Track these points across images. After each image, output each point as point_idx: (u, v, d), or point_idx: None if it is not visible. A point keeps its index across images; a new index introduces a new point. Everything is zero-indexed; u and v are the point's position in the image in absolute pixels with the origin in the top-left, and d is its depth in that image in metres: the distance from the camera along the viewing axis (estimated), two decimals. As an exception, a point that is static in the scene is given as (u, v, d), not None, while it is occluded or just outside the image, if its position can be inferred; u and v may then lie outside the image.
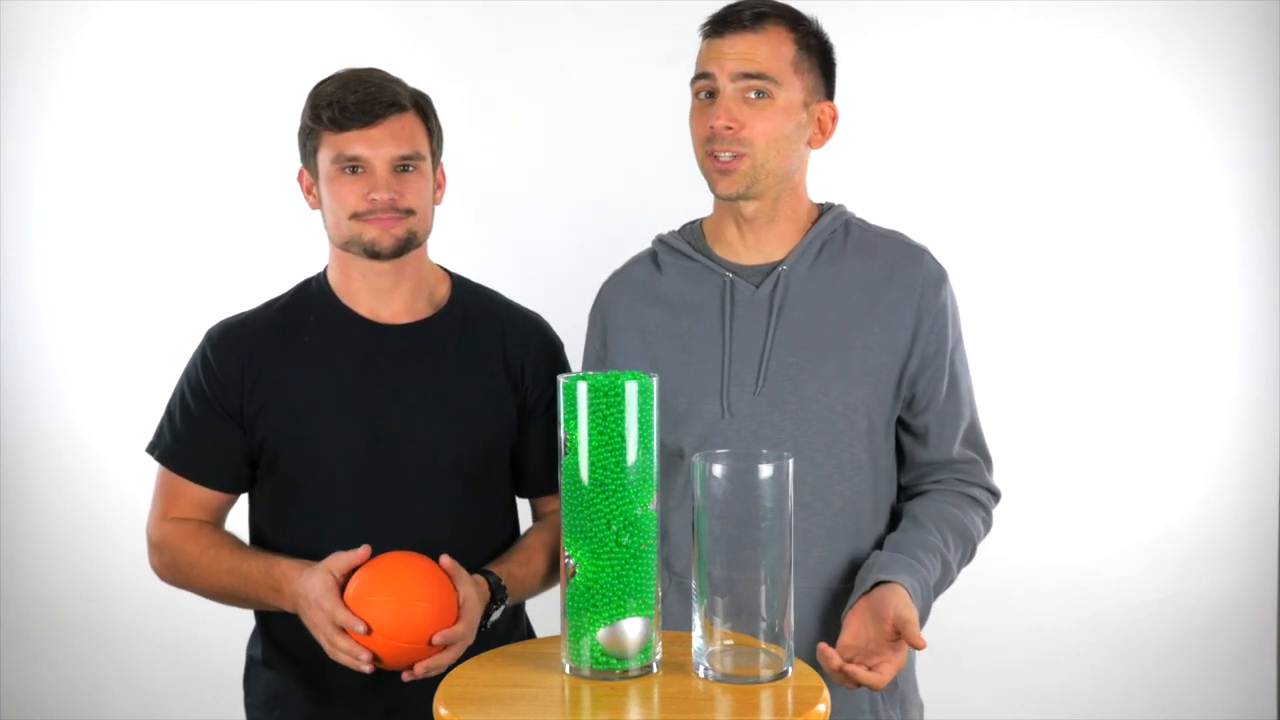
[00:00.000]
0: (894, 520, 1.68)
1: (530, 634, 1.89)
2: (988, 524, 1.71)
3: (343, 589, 1.55)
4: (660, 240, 1.75)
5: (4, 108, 2.86)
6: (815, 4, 1.69)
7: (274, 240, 2.75)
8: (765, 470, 1.20)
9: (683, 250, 1.70)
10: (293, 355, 1.73)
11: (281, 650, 1.76)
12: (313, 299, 1.78)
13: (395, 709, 1.69)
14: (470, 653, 1.54)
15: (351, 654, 1.51)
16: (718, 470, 1.20)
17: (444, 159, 1.79)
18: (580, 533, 1.21)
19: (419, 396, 1.72)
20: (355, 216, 1.67)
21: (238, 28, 2.79)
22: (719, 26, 1.61)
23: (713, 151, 1.60)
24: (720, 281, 1.66)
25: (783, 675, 1.21)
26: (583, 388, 1.20)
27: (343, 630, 1.52)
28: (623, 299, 1.73)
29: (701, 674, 1.22)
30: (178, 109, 2.81)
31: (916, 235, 1.72)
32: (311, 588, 1.55)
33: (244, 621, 1.83)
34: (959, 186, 2.72)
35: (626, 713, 1.17)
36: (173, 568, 1.74)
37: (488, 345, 1.78)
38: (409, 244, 1.70)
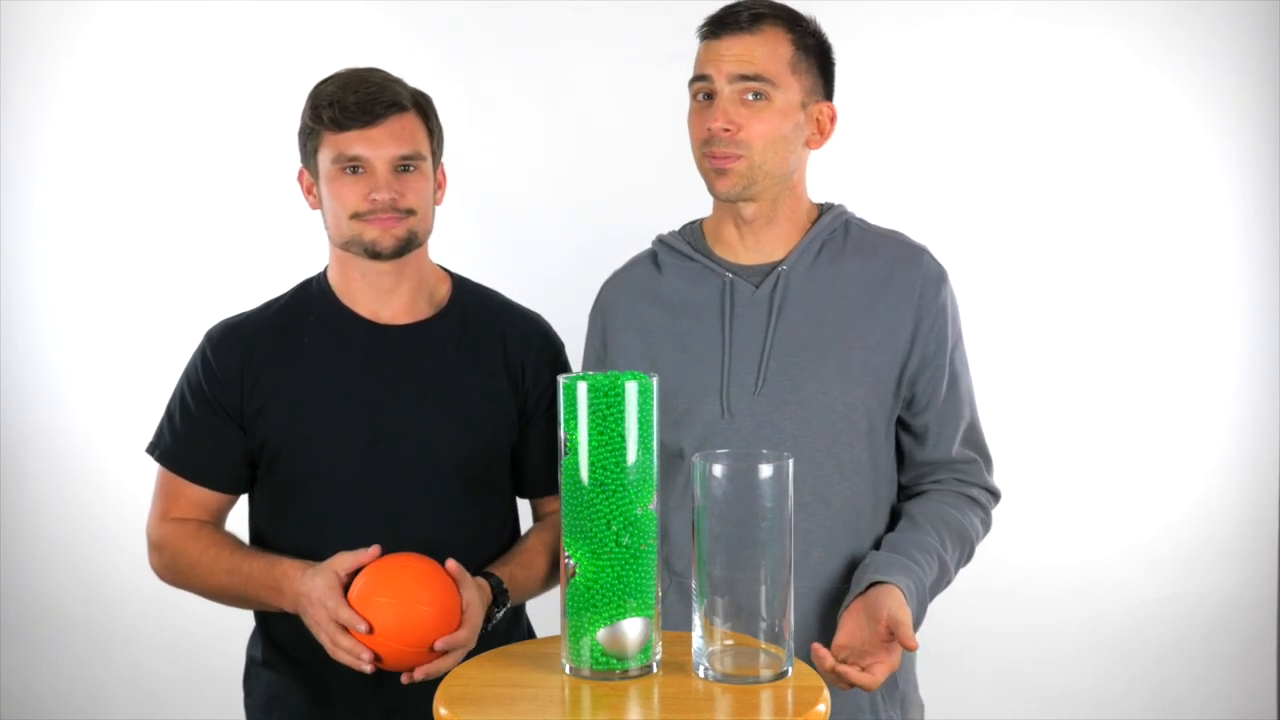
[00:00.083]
0: (894, 520, 1.68)
1: (530, 634, 1.89)
2: (986, 524, 1.70)
3: (346, 588, 1.55)
4: (660, 240, 1.75)
5: (4, 108, 2.86)
6: (815, 4, 1.69)
7: (274, 240, 2.75)
8: (765, 470, 1.20)
9: (683, 250, 1.70)
10: (293, 355, 1.73)
11: (281, 651, 1.76)
12: (313, 299, 1.78)
13: (395, 709, 1.69)
14: (470, 653, 1.55)
15: (353, 653, 1.51)
16: (718, 470, 1.20)
17: (444, 159, 1.79)
18: (580, 533, 1.21)
19: (419, 397, 1.72)
20: (356, 216, 1.67)
21: (238, 28, 2.79)
22: (716, 28, 1.60)
23: (710, 153, 1.60)
24: (720, 282, 1.66)
25: (783, 675, 1.21)
26: (583, 388, 1.20)
27: (345, 629, 1.52)
28: (623, 299, 1.73)
29: (701, 674, 1.22)
30: (178, 109, 2.82)
31: (916, 235, 1.71)
32: (315, 587, 1.55)
33: (244, 621, 1.83)
34: (959, 186, 2.72)
35: (626, 713, 1.17)
36: (173, 568, 1.74)
37: (488, 345, 1.78)
38: (409, 244, 1.70)
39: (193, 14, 2.79)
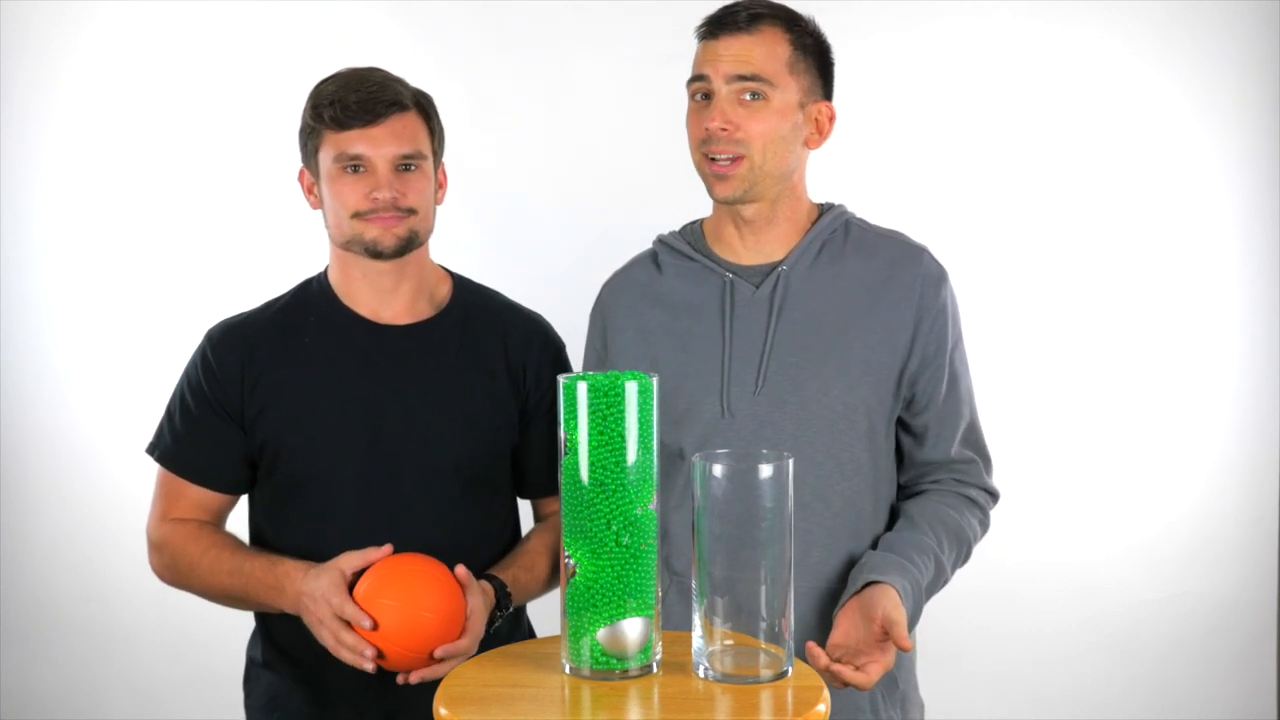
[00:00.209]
0: (893, 520, 1.68)
1: (531, 634, 1.89)
2: (984, 525, 1.70)
3: (351, 587, 1.54)
4: (660, 241, 1.75)
5: (4, 108, 2.86)
6: (814, 4, 1.69)
7: (274, 240, 2.75)
8: (765, 470, 1.20)
9: (683, 251, 1.70)
10: (293, 356, 1.73)
11: (282, 652, 1.76)
12: (313, 299, 1.78)
13: (395, 711, 1.69)
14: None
15: (356, 649, 1.51)
16: (718, 470, 1.20)
17: (444, 159, 1.79)
18: (580, 533, 1.21)
19: (420, 397, 1.72)
20: (357, 216, 1.67)
21: (238, 28, 2.79)
22: (714, 28, 1.60)
23: (709, 153, 1.60)
24: (720, 282, 1.66)
25: (783, 675, 1.21)
26: (583, 388, 1.20)
27: (348, 625, 1.52)
28: (623, 299, 1.73)
29: (701, 674, 1.22)
30: (178, 109, 2.81)
31: (916, 235, 1.71)
32: (319, 585, 1.55)
33: (244, 622, 1.83)
34: (959, 186, 2.72)
35: (626, 713, 1.17)
36: (173, 568, 1.74)
37: (489, 346, 1.78)
38: (411, 243, 1.70)
39: (193, 14, 2.79)
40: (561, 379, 1.22)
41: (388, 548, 1.56)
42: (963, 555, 1.66)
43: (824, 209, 1.71)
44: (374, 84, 1.67)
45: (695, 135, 1.62)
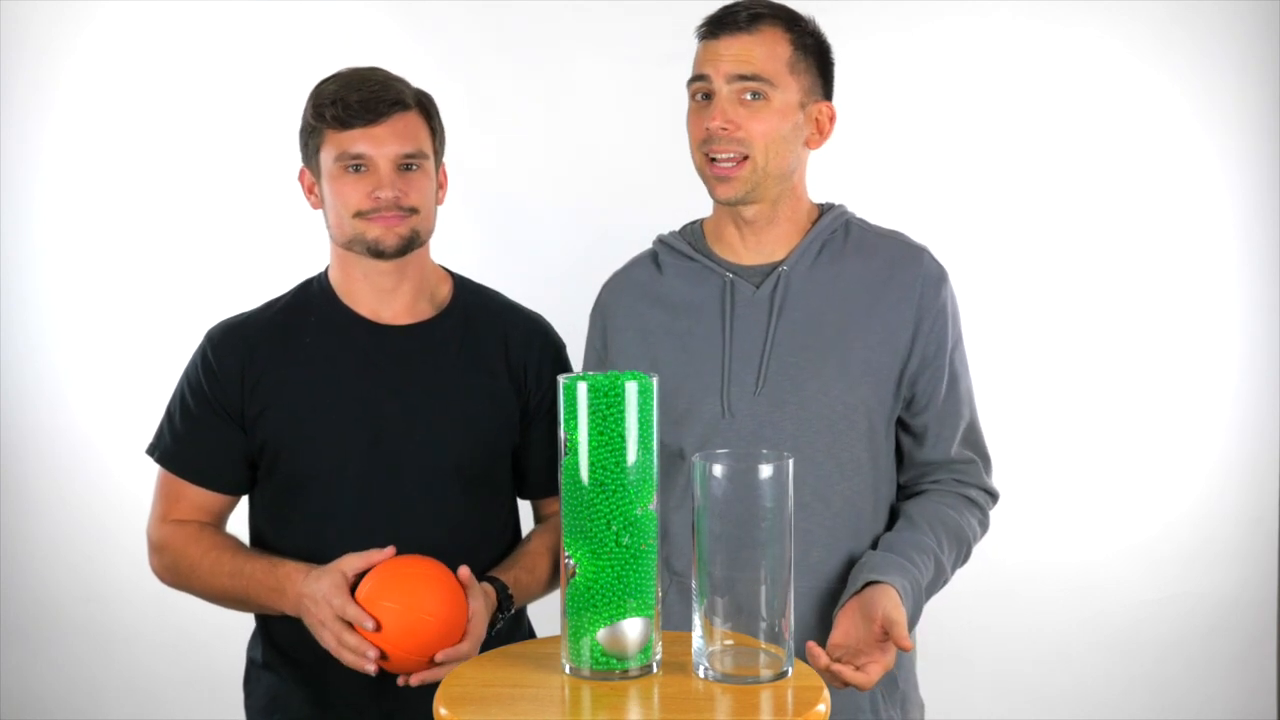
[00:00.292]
0: (893, 520, 1.68)
1: (531, 634, 1.88)
2: (984, 525, 1.70)
3: (353, 589, 1.54)
4: (660, 241, 1.75)
5: (4, 108, 2.86)
6: (814, 4, 1.69)
7: (274, 240, 2.75)
8: (765, 470, 1.20)
9: (683, 251, 1.70)
10: (294, 356, 1.73)
11: (282, 653, 1.75)
12: (314, 299, 1.77)
13: (394, 712, 1.69)
14: (470, 653, 1.55)
15: (359, 651, 1.50)
16: (718, 470, 1.20)
17: (444, 159, 1.79)
18: (580, 533, 1.21)
19: (420, 397, 1.72)
20: (359, 215, 1.67)
21: (238, 28, 2.79)
22: (714, 28, 1.61)
23: (710, 153, 1.60)
24: (720, 282, 1.66)
25: (783, 675, 1.21)
26: (583, 388, 1.20)
27: (350, 626, 1.52)
28: (623, 299, 1.73)
29: (701, 674, 1.22)
30: (178, 109, 2.81)
31: (916, 235, 1.71)
32: (320, 587, 1.54)
33: (244, 622, 1.83)
34: (959, 186, 2.72)
35: (626, 713, 1.17)
36: (173, 570, 1.73)
37: (490, 346, 1.78)
38: (412, 243, 1.70)
39: (193, 14, 2.79)
40: (561, 379, 1.22)
41: (390, 549, 1.56)
42: (963, 555, 1.67)
43: (824, 209, 1.71)
44: (376, 83, 1.67)
45: (696, 135, 1.62)
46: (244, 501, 1.80)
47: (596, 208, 2.71)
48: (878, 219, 1.73)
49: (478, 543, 1.75)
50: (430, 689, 1.30)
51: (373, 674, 1.53)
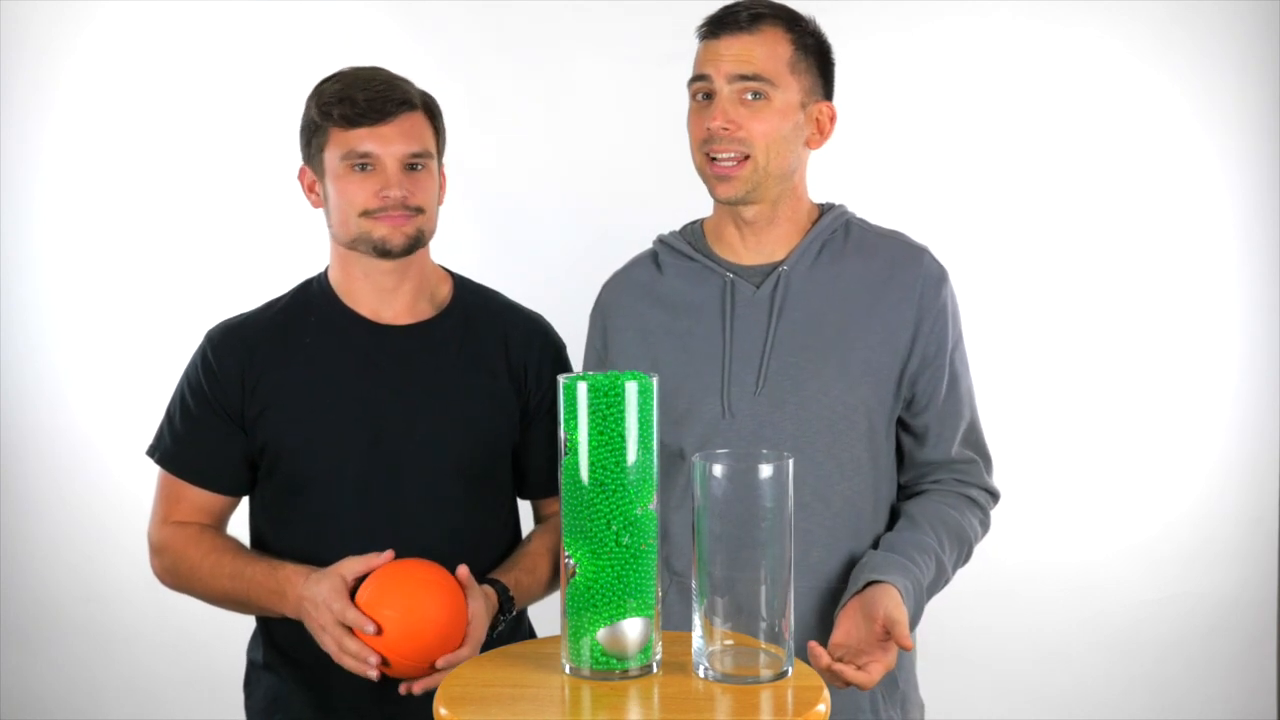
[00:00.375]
0: (894, 520, 1.68)
1: (532, 635, 1.88)
2: (985, 525, 1.70)
3: (353, 592, 1.54)
4: (661, 240, 1.75)
5: (4, 108, 2.86)
6: (814, 4, 1.69)
7: (274, 240, 2.75)
8: (765, 470, 1.20)
9: (683, 251, 1.70)
10: (294, 356, 1.73)
11: (283, 654, 1.75)
12: (313, 300, 1.77)
13: (396, 714, 1.68)
14: (470, 653, 1.55)
15: (360, 656, 1.50)
16: (718, 470, 1.20)
17: (444, 159, 1.80)
18: (580, 533, 1.21)
19: (421, 397, 1.72)
20: (365, 214, 1.66)
21: (238, 28, 2.79)
22: (715, 28, 1.61)
23: (710, 153, 1.60)
24: (721, 282, 1.66)
25: (783, 675, 1.21)
26: (583, 388, 1.20)
27: (350, 631, 1.52)
28: (623, 299, 1.73)
29: (701, 674, 1.22)
30: (178, 109, 2.82)
31: (916, 235, 1.71)
32: (319, 590, 1.54)
33: (244, 622, 1.83)
34: (959, 186, 2.72)
35: (626, 713, 1.17)
36: (174, 572, 1.73)
37: (490, 346, 1.78)
38: (418, 242, 1.70)
39: (193, 14, 2.79)
40: (561, 379, 1.22)
41: (389, 554, 1.56)
42: (964, 555, 1.66)
43: (824, 209, 1.71)
44: (382, 83, 1.67)
45: (697, 135, 1.62)
46: (244, 503, 1.80)
47: (596, 208, 2.71)
48: (878, 219, 1.73)
49: (478, 543, 1.75)
50: (433, 691, 1.30)
51: (375, 679, 1.52)
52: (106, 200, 2.86)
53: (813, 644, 1.38)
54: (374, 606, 1.51)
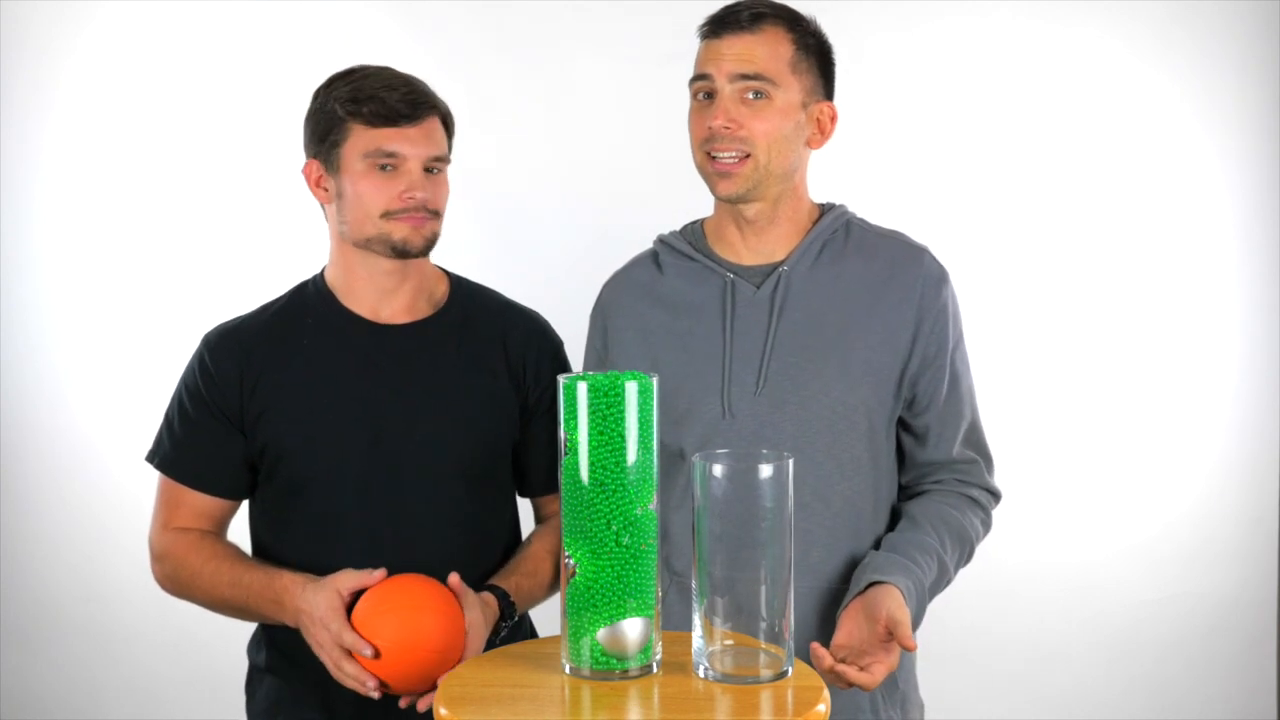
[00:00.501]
0: (894, 520, 1.68)
1: (532, 635, 1.88)
2: (987, 525, 1.70)
3: (350, 607, 1.54)
4: (661, 240, 1.75)
5: (4, 108, 2.86)
6: (815, 4, 1.69)
7: (274, 241, 2.74)
8: (765, 470, 1.20)
9: (683, 250, 1.70)
10: (291, 358, 1.72)
11: (285, 656, 1.75)
12: (310, 301, 1.77)
13: (400, 716, 1.68)
14: (470, 653, 1.54)
15: (358, 680, 1.50)
16: (718, 470, 1.20)
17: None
18: (580, 533, 1.21)
19: (420, 396, 1.72)
20: (387, 215, 1.66)
21: (238, 28, 2.79)
22: (716, 27, 1.61)
23: (711, 152, 1.60)
24: (721, 282, 1.66)
25: (783, 675, 1.21)
26: (583, 388, 1.20)
27: (349, 654, 1.51)
28: (623, 299, 1.73)
29: (701, 674, 1.22)
30: (178, 109, 2.81)
31: (917, 235, 1.71)
32: (316, 605, 1.54)
33: (245, 623, 1.83)
34: (959, 186, 2.72)
35: (626, 713, 1.17)
36: (174, 579, 1.73)
37: (489, 345, 1.78)
38: (432, 245, 1.71)
39: (193, 14, 2.79)
40: (561, 379, 1.22)
41: (381, 571, 1.55)
42: (965, 555, 1.66)
43: (825, 209, 1.71)
44: (409, 85, 1.68)
45: (698, 134, 1.62)
46: (244, 507, 1.80)
47: (596, 208, 2.71)
48: (878, 219, 1.73)
49: (479, 542, 1.75)
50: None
51: (376, 699, 1.52)
52: (106, 200, 2.86)
53: (815, 645, 1.38)
54: (370, 628, 1.50)
